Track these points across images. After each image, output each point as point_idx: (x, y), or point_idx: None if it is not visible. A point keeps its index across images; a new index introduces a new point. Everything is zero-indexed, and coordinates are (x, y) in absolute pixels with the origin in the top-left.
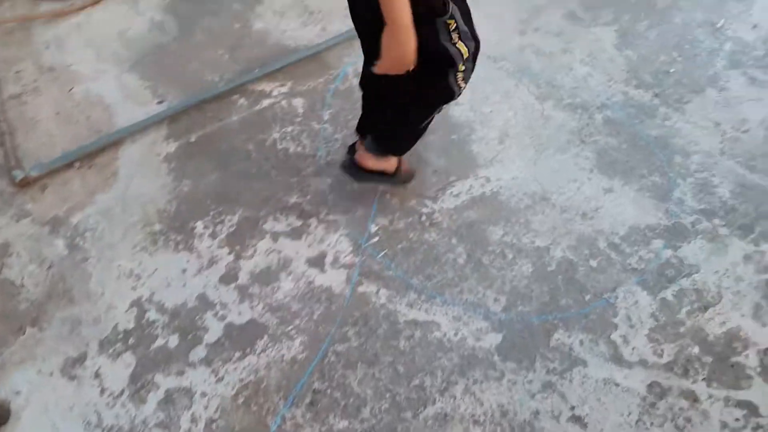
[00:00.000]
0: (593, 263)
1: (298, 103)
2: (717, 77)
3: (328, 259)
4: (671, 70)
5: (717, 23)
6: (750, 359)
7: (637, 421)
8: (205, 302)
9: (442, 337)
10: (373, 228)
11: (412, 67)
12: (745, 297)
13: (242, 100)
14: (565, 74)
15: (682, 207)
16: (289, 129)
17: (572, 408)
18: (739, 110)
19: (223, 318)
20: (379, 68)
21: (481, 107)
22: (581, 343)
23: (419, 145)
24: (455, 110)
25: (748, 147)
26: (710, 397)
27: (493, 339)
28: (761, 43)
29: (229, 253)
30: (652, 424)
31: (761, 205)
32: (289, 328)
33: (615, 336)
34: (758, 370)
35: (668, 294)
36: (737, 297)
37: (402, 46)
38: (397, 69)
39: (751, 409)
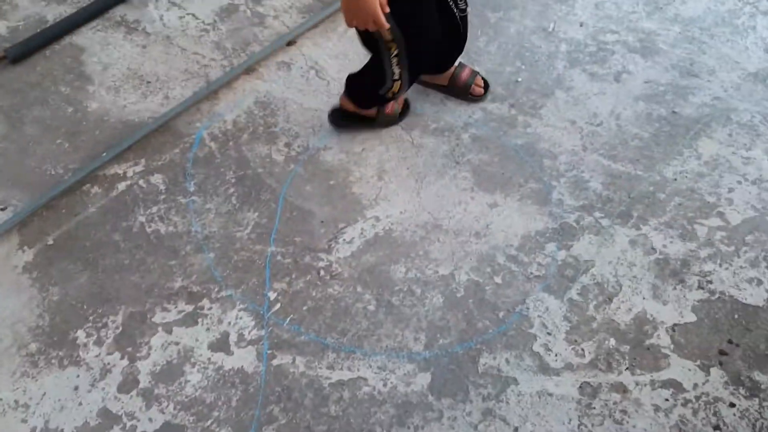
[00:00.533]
0: (498, 279)
1: (158, 179)
2: (561, 78)
3: (232, 338)
4: (519, 80)
5: (548, 27)
6: (662, 338)
7: (579, 426)
8: (108, 417)
9: (372, 391)
10: (272, 295)
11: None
12: (642, 280)
13: (95, 189)
14: (423, 101)
15: (563, 207)
16: (155, 209)
17: (516, 429)
18: (589, 106)
19: (133, 429)
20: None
21: (352, 148)
22: (507, 361)
23: (298, 199)
24: (326, 156)
25: (605, 139)
26: (637, 384)
27: (422, 380)
28: (591, 39)
29: (122, 358)
30: (593, 425)
31: (632, 191)
32: (209, 422)
33: (536, 346)
34: (672, 347)
35: (573, 293)
36: (634, 282)
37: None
38: (358, 23)
39: (676, 386)
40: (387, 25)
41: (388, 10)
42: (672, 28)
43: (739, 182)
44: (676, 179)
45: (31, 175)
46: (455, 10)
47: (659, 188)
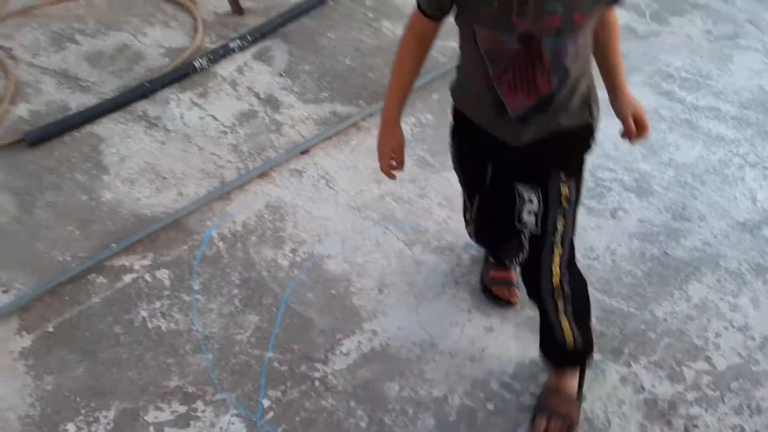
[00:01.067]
0: (490, 406)
1: (164, 274)
2: None
3: None
4: None
5: None
6: None
7: None
8: None
9: None
10: (266, 402)
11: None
12: (630, 419)
13: (101, 279)
14: (427, 218)
15: None
16: (158, 305)
17: None
18: (585, 239)
19: None
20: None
21: (355, 258)
22: None
23: (300, 306)
24: (329, 264)
25: (600, 273)
26: None
27: None
28: (589, 175)
29: None
30: None
31: (624, 327)
32: None
33: None
34: None
35: None
36: (623, 420)
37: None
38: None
39: None
40: (392, 175)
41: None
42: (666, 171)
43: (726, 328)
44: (666, 319)
45: (39, 259)
46: (517, 224)
47: (650, 327)
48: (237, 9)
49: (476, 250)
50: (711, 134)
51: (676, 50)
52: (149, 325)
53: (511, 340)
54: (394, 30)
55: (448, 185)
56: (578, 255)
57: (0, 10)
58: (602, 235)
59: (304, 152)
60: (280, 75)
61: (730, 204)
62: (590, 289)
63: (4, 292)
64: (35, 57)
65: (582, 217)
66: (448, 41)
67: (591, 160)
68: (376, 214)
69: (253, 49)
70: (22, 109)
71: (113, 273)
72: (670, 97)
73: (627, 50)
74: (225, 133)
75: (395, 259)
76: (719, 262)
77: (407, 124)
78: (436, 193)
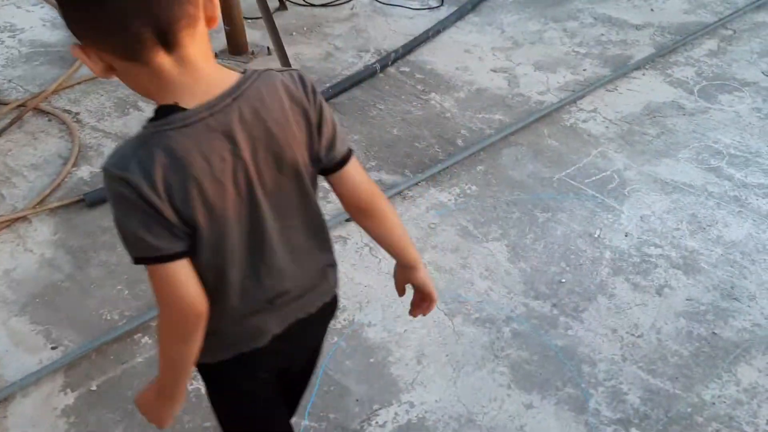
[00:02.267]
0: None
1: None
2: (604, 285)
3: None
4: (563, 280)
5: (594, 233)
6: None
7: None
8: None
9: None
10: None
11: None
12: None
13: (146, 339)
14: (468, 289)
15: (599, 418)
16: None
17: None
18: (630, 316)
19: None
20: (432, 305)
21: (395, 327)
22: None
23: (338, 374)
24: (369, 332)
25: (645, 352)
26: None
27: None
28: (635, 250)
29: None
30: None
31: (670, 410)
32: None
33: None
34: None
35: None
36: None
37: None
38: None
39: None
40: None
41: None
42: (714, 249)
43: None
44: (714, 403)
45: (88, 317)
46: None
47: (697, 410)
48: None
49: (517, 324)
50: (761, 212)
51: (724, 127)
52: (190, 387)
53: (551, 418)
54: (442, 102)
55: (491, 257)
56: (622, 332)
57: (70, 78)
58: (647, 312)
59: (350, 219)
60: None
61: None
62: (634, 368)
63: (53, 348)
64: (99, 121)
65: (627, 293)
66: (494, 114)
67: (637, 235)
68: None
69: None
70: (84, 171)
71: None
72: (718, 173)
73: (675, 126)
74: None
75: (435, 330)
76: None
77: (451, 194)
78: (478, 264)
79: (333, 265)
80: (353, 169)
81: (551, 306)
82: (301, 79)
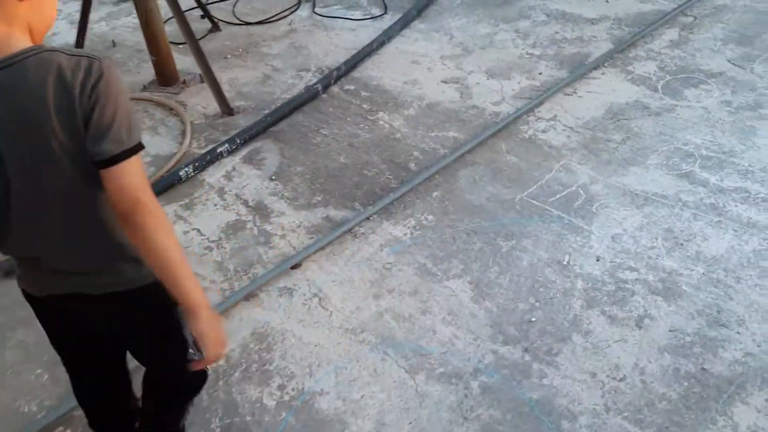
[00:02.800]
0: None
1: None
2: (578, 320)
3: None
4: (533, 319)
5: (563, 260)
6: None
7: None
8: None
9: None
10: None
11: None
12: None
13: None
14: (430, 339)
15: None
16: None
17: None
18: (609, 355)
19: None
20: (209, 359)
21: (351, 393)
22: None
23: None
24: (322, 402)
25: (629, 398)
26: None
27: None
28: (608, 276)
29: None
30: None
31: None
32: None
33: None
34: None
35: None
36: None
37: (219, 322)
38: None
39: None
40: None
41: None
42: (695, 268)
43: None
44: None
45: (2, 410)
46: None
47: None
48: (226, 110)
49: (487, 376)
50: (741, 220)
51: (693, 126)
52: None
53: None
54: (391, 121)
55: (453, 297)
56: (603, 376)
57: None
58: (628, 349)
59: (295, 267)
60: (271, 179)
61: None
62: (618, 419)
63: None
64: None
65: (603, 328)
66: (447, 132)
67: (610, 258)
68: (373, 337)
69: (243, 152)
70: None
71: (82, 425)
72: (691, 179)
73: (640, 129)
74: (210, 249)
75: (396, 392)
76: (766, 377)
77: (406, 227)
78: (440, 308)
79: (126, 260)
80: (120, 173)
81: (522, 351)
82: (89, 68)
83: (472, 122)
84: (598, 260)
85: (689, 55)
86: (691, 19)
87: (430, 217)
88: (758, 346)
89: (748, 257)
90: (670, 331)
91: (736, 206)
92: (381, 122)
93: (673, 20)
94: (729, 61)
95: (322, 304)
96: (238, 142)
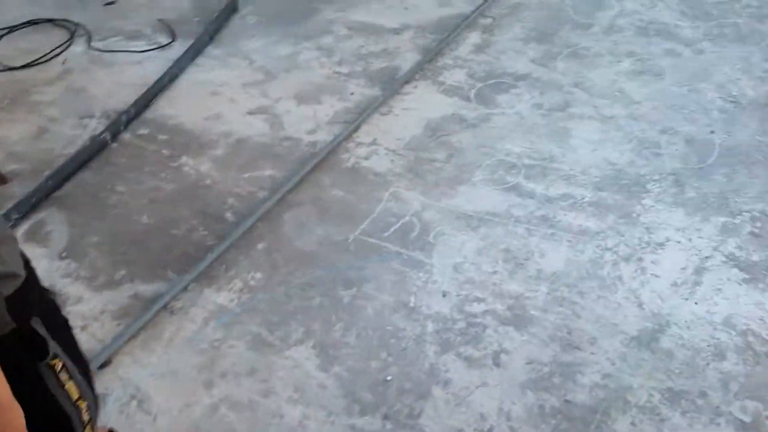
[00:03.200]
0: None
1: None
2: (435, 369)
3: None
4: (388, 378)
5: (409, 302)
6: None
7: None
8: None
9: None
10: None
11: None
12: None
13: None
14: (278, 426)
15: None
16: None
17: None
18: (473, 405)
19: None
20: None
21: None
22: None
23: None
24: None
25: None
26: None
27: None
28: (458, 312)
29: None
30: None
31: None
32: None
33: None
34: None
35: None
36: None
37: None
38: None
39: None
40: None
41: None
42: (538, 288)
43: None
44: None
45: None
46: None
47: None
48: None
49: None
50: (573, 229)
51: (510, 134)
52: None
53: None
54: (197, 166)
55: (297, 369)
56: (469, 429)
57: None
58: (491, 393)
59: (104, 365)
60: (61, 257)
61: (616, 315)
62: None
63: None
64: None
65: (462, 373)
66: (263, 170)
67: (455, 291)
68: None
69: (23, 227)
70: None
71: None
72: (518, 191)
73: (461, 143)
74: None
75: None
76: (627, 398)
77: (232, 291)
78: (284, 385)
79: None
80: None
81: (383, 418)
82: None
83: (288, 156)
84: (444, 296)
85: (495, 59)
86: (490, 20)
87: (258, 276)
88: (613, 365)
89: (586, 268)
90: (527, 363)
91: (565, 215)
92: (186, 168)
93: (473, 23)
94: (533, 61)
95: (142, 407)
96: (15, 216)
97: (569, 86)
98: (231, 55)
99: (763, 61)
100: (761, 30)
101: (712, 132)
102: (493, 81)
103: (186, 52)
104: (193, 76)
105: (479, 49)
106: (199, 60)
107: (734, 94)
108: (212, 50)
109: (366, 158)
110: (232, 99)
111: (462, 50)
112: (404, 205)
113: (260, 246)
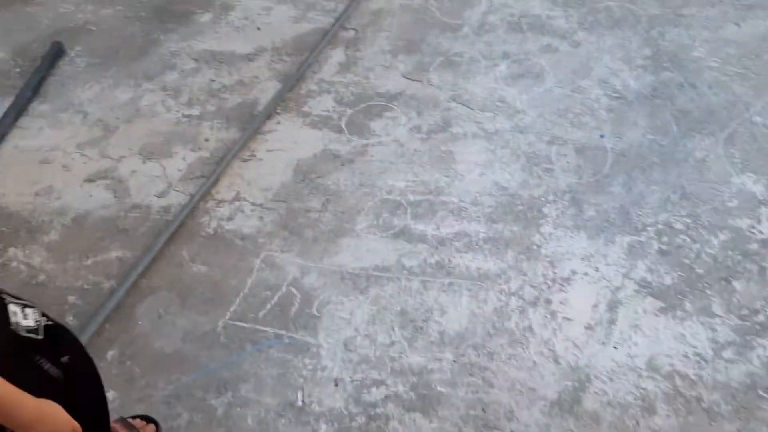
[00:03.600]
0: None
1: None
2: None
3: None
4: None
5: (296, 401)
6: None
7: None
8: None
9: None
10: None
11: None
12: None
13: None
14: None
15: None
16: None
17: None
18: None
19: None
20: None
21: None
22: None
23: None
24: None
25: None
26: None
27: None
28: (354, 404)
29: None
30: None
31: None
32: None
33: None
34: None
35: None
36: None
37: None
38: None
39: None
40: None
41: None
42: (443, 355)
43: None
44: None
45: None
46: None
47: None
48: None
49: None
50: (472, 274)
51: (391, 166)
52: None
53: None
54: (27, 258)
55: None
56: None
57: None
58: None
59: None
60: None
61: (532, 377)
62: None
63: None
64: None
65: None
66: (108, 253)
67: (349, 376)
68: None
69: None
70: None
71: None
72: (407, 236)
73: (338, 185)
74: None
75: None
76: None
77: None
78: None
79: None
80: None
81: None
82: None
83: (137, 230)
84: (337, 385)
85: (363, 78)
86: (352, 33)
87: (110, 395)
88: None
89: (492, 322)
90: None
91: (461, 257)
92: (14, 264)
93: (335, 38)
94: (404, 76)
95: None
96: None
97: (447, 101)
98: (61, 110)
99: (642, 46)
100: (634, 11)
101: (602, 136)
102: (365, 105)
103: (5, 114)
104: (16, 142)
105: (345, 68)
106: (24, 121)
107: (618, 88)
108: (38, 107)
109: (230, 219)
110: (65, 166)
111: (326, 71)
112: (280, 272)
113: (111, 354)
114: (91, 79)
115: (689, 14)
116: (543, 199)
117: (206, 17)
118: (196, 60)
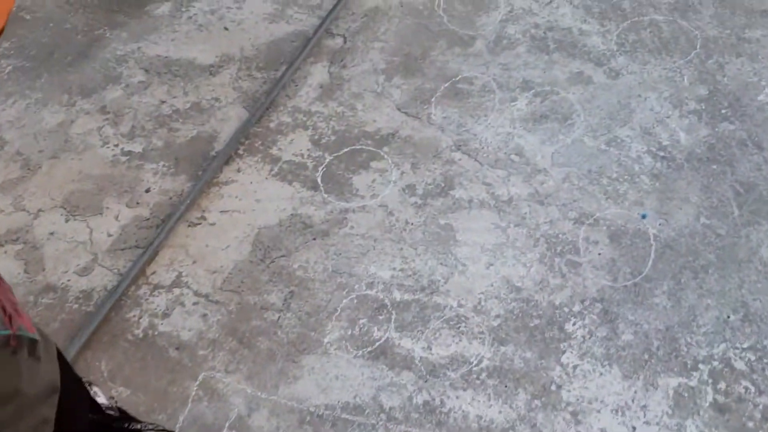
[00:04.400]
0: None
1: None
2: None
3: None
4: None
5: None
6: None
7: None
8: None
9: None
10: None
11: None
12: None
13: None
14: None
15: None
16: None
17: None
18: None
19: None
20: None
21: None
22: None
23: None
24: None
25: None
26: None
27: None
28: None
29: None
30: None
31: None
32: None
33: None
34: None
35: None
36: None
37: None
38: None
39: None
40: None
41: None
42: None
43: None
44: None
45: None
46: None
47: None
48: None
49: None
50: (470, 427)
51: (376, 245)
52: None
53: None
54: None
55: None
56: None
57: None
58: None
59: None
60: None
61: None
62: None
63: None
64: None
65: None
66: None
67: None
68: None
69: None
70: None
71: None
72: (390, 359)
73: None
74: None
75: None
76: None
77: None
78: None
79: None
80: None
81: None
82: None
83: (48, 326)
84: None
85: (348, 109)
86: (340, 41)
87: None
88: None
89: None
90: None
91: (457, 397)
92: None
93: (318, 48)
94: (399, 108)
95: None
96: None
97: (450, 149)
98: None
99: (695, 83)
100: (686, 31)
101: (644, 216)
102: (348, 149)
103: None
104: None
105: (327, 92)
106: None
107: (665, 144)
108: None
109: (165, 315)
110: None
111: (303, 96)
112: (221, 406)
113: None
114: (16, 92)
115: (754, 38)
116: (567, 309)
117: (164, 8)
118: (146, 70)
